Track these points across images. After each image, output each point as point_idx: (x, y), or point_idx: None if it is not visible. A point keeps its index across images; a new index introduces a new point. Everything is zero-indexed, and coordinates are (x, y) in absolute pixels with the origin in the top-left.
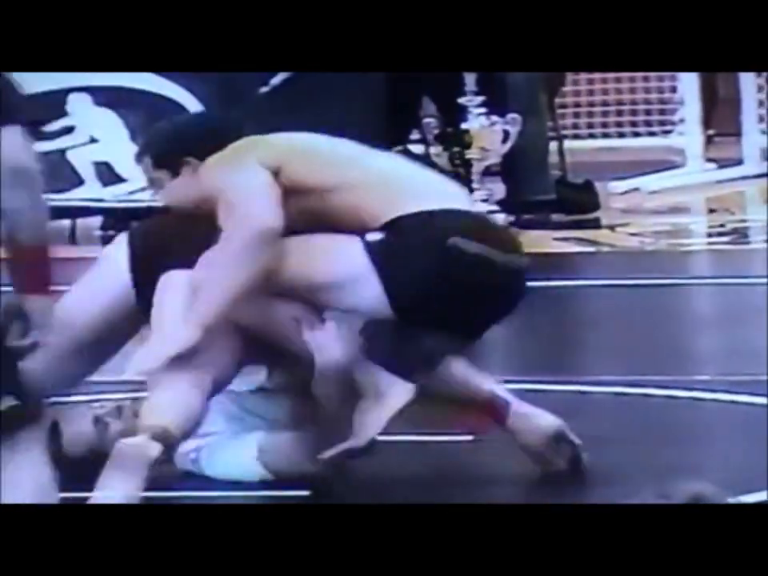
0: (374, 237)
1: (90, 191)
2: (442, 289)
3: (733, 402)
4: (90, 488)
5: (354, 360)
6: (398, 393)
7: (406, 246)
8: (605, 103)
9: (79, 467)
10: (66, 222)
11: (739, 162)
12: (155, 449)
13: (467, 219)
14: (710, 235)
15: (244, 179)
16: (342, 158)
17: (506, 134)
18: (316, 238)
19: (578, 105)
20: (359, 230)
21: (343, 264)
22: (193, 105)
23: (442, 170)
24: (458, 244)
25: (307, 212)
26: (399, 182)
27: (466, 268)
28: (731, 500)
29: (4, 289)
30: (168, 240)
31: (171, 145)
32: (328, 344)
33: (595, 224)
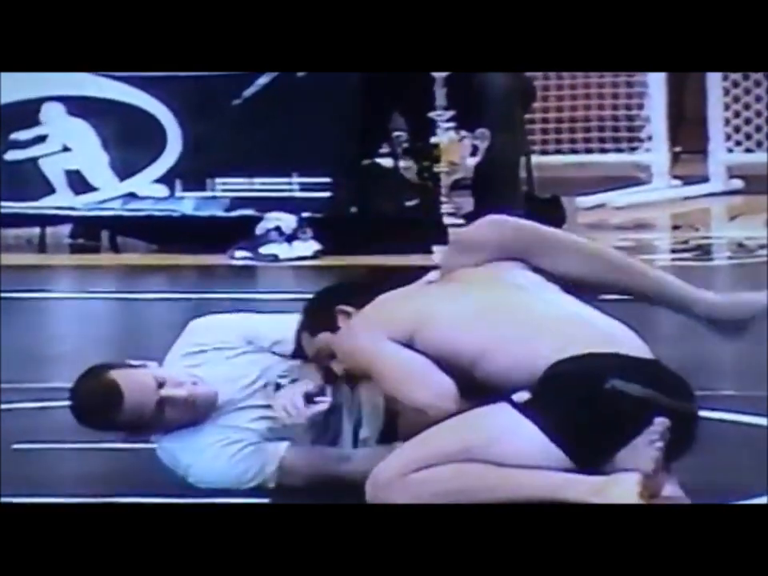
0: (522, 397)
1: (61, 199)
2: (607, 431)
3: None
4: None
5: None
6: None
7: (561, 395)
8: (572, 119)
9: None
10: (35, 230)
11: (705, 179)
12: None
13: (630, 363)
14: (674, 251)
15: (384, 366)
16: (483, 319)
17: (475, 148)
18: (461, 415)
19: (546, 120)
20: (508, 390)
21: (498, 432)
22: (165, 116)
23: (410, 184)
24: (617, 386)
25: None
26: (555, 331)
27: (629, 410)
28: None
29: (4, 294)
30: None
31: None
32: None
33: None
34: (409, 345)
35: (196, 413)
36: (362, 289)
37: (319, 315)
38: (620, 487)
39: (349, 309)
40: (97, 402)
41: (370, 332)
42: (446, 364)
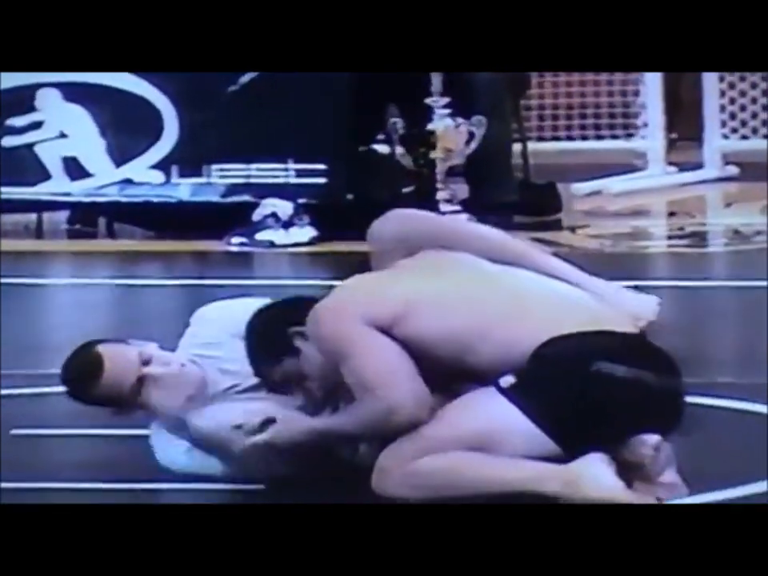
0: (508, 381)
1: (58, 185)
2: (593, 414)
3: (692, 404)
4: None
5: None
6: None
7: (545, 379)
8: (569, 106)
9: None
10: (32, 216)
11: (700, 166)
12: None
13: (616, 341)
14: (669, 238)
15: (363, 354)
16: (471, 301)
17: (471, 135)
18: (452, 403)
19: (542, 107)
20: (495, 373)
21: (486, 419)
22: (162, 103)
23: (406, 171)
24: (602, 369)
25: (437, 365)
26: (538, 311)
27: (615, 392)
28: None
29: (1, 280)
30: None
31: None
32: None
33: (557, 226)
34: (386, 331)
35: (178, 395)
36: (307, 304)
37: (273, 342)
38: (589, 473)
39: (303, 329)
40: (77, 372)
41: (345, 316)
42: (431, 353)
